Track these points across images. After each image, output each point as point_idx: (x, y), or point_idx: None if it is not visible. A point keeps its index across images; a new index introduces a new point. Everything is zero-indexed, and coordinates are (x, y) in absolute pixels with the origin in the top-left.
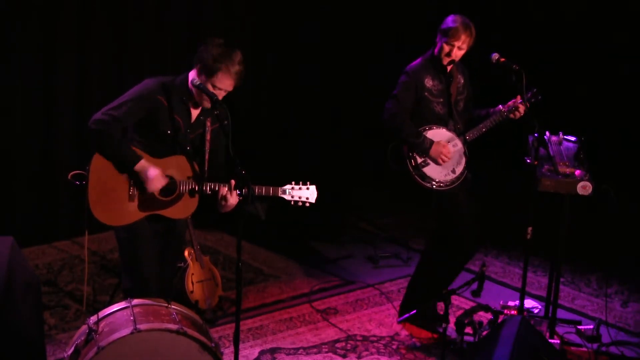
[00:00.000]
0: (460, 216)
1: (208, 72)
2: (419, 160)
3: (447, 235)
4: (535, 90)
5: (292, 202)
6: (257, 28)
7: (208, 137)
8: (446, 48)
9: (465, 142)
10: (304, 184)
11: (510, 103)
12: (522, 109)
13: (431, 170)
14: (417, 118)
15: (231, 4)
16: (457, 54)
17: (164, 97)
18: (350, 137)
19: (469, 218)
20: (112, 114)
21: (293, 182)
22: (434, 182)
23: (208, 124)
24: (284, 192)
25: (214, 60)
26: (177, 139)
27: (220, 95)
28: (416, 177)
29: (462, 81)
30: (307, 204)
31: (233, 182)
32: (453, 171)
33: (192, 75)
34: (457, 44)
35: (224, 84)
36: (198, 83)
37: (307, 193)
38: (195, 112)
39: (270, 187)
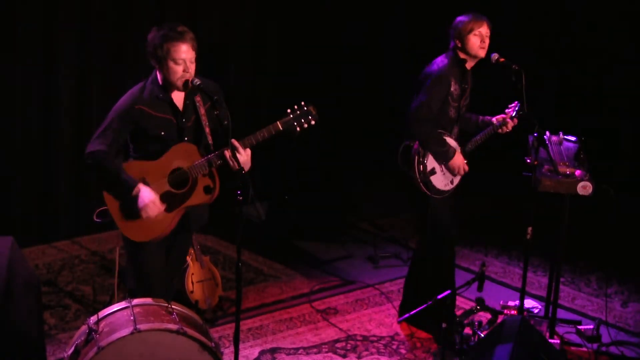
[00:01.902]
0: (447, 218)
1: (164, 55)
2: (429, 168)
3: (437, 235)
4: (518, 104)
5: (298, 129)
6: (257, 27)
7: (204, 118)
8: (476, 39)
9: (464, 153)
10: (299, 106)
11: (500, 117)
12: (510, 125)
13: (436, 179)
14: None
15: (231, 4)
16: (485, 38)
17: (142, 104)
18: (351, 137)
19: (453, 217)
20: (103, 142)
21: (289, 110)
22: (433, 190)
23: (201, 106)
24: (285, 123)
25: (160, 43)
26: (173, 135)
27: (190, 68)
28: (420, 183)
29: (470, 85)
30: (313, 123)
31: (234, 141)
32: (451, 182)
33: (158, 73)
34: (483, 30)
35: (182, 52)
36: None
37: (308, 113)
38: (179, 100)
39: (269, 126)
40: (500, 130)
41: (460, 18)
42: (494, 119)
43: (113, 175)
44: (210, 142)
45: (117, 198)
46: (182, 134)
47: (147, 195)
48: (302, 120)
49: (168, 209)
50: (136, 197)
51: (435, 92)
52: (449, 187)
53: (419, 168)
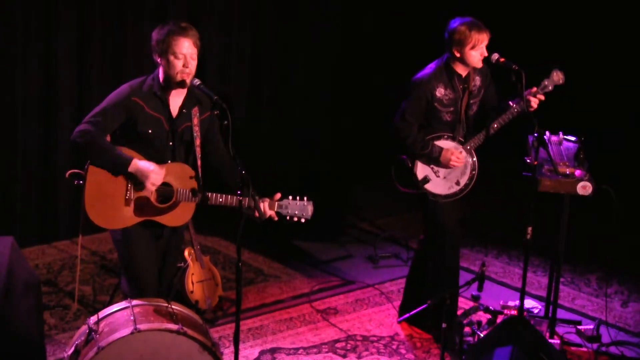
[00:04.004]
0: (448, 216)
1: (165, 48)
2: (420, 177)
3: (441, 235)
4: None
5: (288, 218)
6: (258, 25)
7: (197, 130)
8: (477, 54)
9: (470, 151)
10: (301, 198)
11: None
12: (534, 102)
13: (433, 186)
14: (423, 125)
15: (232, 3)
16: (485, 51)
17: (138, 97)
18: (351, 136)
19: (456, 216)
20: (93, 122)
21: (290, 197)
22: (437, 197)
23: (196, 117)
24: (281, 207)
25: (164, 36)
26: (161, 135)
27: (190, 65)
28: (421, 191)
29: (479, 83)
30: (303, 220)
31: (279, 195)
32: (457, 183)
33: (161, 69)
34: (485, 43)
35: (184, 47)
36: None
37: (304, 209)
38: (176, 104)
39: (267, 200)
40: (531, 109)
41: (459, 26)
42: (510, 102)
43: (105, 153)
44: (199, 154)
45: (102, 176)
46: (171, 137)
47: (145, 167)
48: (297, 212)
49: (138, 213)
50: (136, 173)
51: (412, 101)
52: (455, 188)
53: (413, 180)
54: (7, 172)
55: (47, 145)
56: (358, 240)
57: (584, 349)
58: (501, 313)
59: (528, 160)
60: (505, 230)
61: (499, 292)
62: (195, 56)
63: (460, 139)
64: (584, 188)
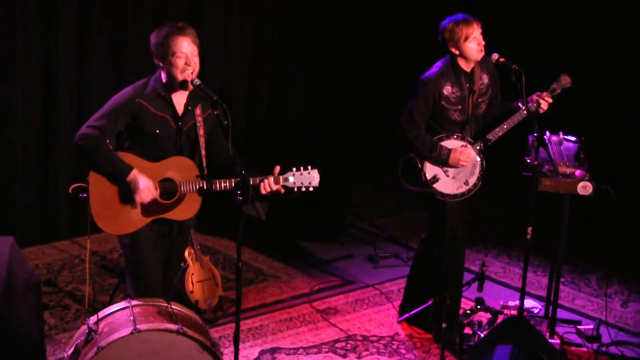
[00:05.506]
0: (453, 216)
1: (165, 50)
2: (429, 176)
3: (441, 235)
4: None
5: (296, 189)
6: (258, 25)
7: (201, 130)
8: (473, 45)
9: (479, 151)
10: (305, 168)
11: (533, 98)
12: (544, 104)
13: (442, 185)
14: (432, 125)
15: (232, 3)
16: (481, 40)
17: (143, 99)
18: (351, 135)
19: (461, 217)
20: (96, 126)
21: (294, 168)
22: (445, 196)
23: (198, 112)
24: (287, 179)
25: (163, 39)
26: (169, 135)
27: (192, 63)
28: (429, 190)
29: (487, 81)
30: (311, 189)
31: (278, 168)
32: (466, 183)
33: (162, 72)
34: (477, 33)
35: (183, 46)
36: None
37: (310, 178)
38: (180, 103)
39: (270, 176)
40: (541, 110)
41: (448, 24)
42: (519, 103)
43: (107, 158)
44: (204, 162)
45: (104, 184)
46: (178, 136)
47: (142, 181)
48: (303, 182)
49: (146, 214)
50: (130, 183)
51: (419, 100)
52: (463, 188)
53: (420, 179)
54: (7, 171)
55: (47, 145)
56: (358, 240)
57: (584, 349)
58: (501, 313)
59: (528, 160)
60: (505, 230)
61: (499, 292)
62: (196, 53)
63: (469, 138)
64: (584, 188)
